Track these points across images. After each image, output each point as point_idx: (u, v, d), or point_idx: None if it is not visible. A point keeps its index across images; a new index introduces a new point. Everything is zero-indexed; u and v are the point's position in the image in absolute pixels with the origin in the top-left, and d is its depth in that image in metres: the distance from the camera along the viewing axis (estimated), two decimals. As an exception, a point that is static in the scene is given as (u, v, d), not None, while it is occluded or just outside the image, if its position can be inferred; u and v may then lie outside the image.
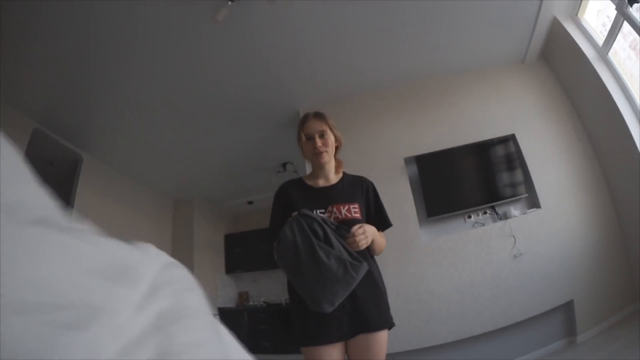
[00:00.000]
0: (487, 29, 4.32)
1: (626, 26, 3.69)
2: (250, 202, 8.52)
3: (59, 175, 5.75)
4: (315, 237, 1.70)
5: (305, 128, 2.08)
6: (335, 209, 1.93)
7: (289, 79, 4.55)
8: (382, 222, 2.08)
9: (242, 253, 8.60)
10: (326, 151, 2.04)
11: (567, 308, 4.15)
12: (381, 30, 4.08)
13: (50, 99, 4.40)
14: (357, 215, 1.96)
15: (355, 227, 1.83)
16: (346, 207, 1.95)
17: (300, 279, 1.73)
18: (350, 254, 1.74)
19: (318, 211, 1.91)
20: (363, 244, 1.81)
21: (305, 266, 1.68)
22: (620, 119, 3.89)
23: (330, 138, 2.07)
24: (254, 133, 5.69)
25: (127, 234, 4.81)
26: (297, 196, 2.02)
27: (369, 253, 1.94)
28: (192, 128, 5.39)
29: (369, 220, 2.02)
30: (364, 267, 1.73)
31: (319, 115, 2.10)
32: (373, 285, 1.89)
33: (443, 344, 4.07)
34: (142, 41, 3.72)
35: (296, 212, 1.80)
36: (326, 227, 1.74)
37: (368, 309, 1.82)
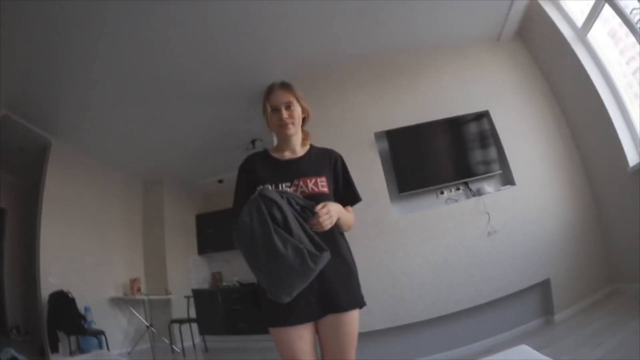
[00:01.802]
0: (463, 4, 4.22)
1: (606, 12, 3.72)
2: (220, 181, 8.25)
3: (29, 162, 5.67)
4: (274, 222, 1.59)
5: (270, 99, 1.98)
6: (301, 183, 1.85)
7: (255, 52, 4.40)
8: (350, 196, 2.01)
9: (213, 233, 8.41)
10: (292, 123, 1.96)
11: (544, 286, 4.16)
12: (353, 2, 3.95)
13: (17, 84, 4.29)
14: (325, 189, 1.88)
15: (319, 207, 1.74)
16: (313, 181, 1.87)
17: (257, 267, 1.64)
18: (312, 240, 1.65)
19: (284, 185, 1.84)
20: (327, 224, 1.73)
21: (262, 255, 1.58)
22: (598, 99, 3.95)
23: (297, 110, 1.98)
24: (221, 110, 5.57)
25: (98, 218, 5.05)
26: (262, 169, 1.93)
27: (337, 230, 1.87)
28: (159, 107, 5.28)
29: (337, 195, 1.96)
30: (325, 257, 1.63)
31: (286, 86, 2.00)
32: (342, 264, 1.83)
33: (416, 322, 4.02)
34: (106, 21, 3.60)
35: (258, 190, 1.74)
36: (287, 210, 1.63)
37: (337, 289, 1.76)
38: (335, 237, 1.83)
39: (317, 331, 1.78)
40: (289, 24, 4.10)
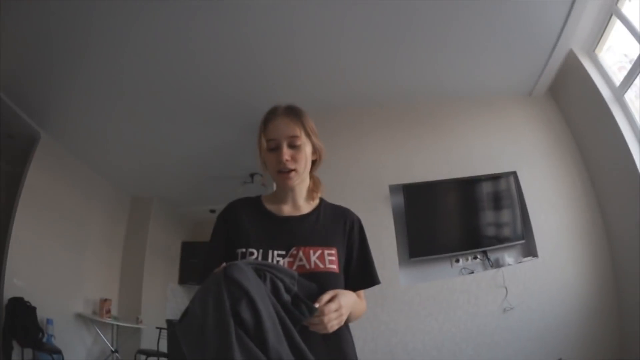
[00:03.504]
0: (498, 54, 3.99)
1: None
2: (212, 211, 7.86)
3: (17, 151, 5.28)
4: (240, 326, 0.96)
5: (268, 130, 1.38)
6: (302, 254, 1.28)
7: (269, 79, 4.09)
8: (366, 278, 1.43)
9: (198, 264, 7.94)
10: (295, 169, 1.35)
11: None
12: (383, 40, 3.66)
13: (16, 68, 3.98)
14: (333, 266, 1.30)
15: (324, 299, 1.17)
16: (318, 253, 1.30)
17: None
18: (303, 358, 1.03)
19: (276, 253, 1.27)
20: (334, 325, 1.17)
21: None
22: (633, 166, 3.56)
23: (305, 149, 1.38)
24: (225, 135, 5.27)
25: (77, 226, 4.51)
26: (248, 225, 1.36)
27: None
28: (161, 122, 5.01)
29: (347, 274, 1.38)
30: None
31: (293, 112, 1.40)
32: None
33: (413, 407, 3.59)
34: (118, 24, 3.37)
35: (224, 267, 1.04)
36: (262, 310, 0.99)
37: None
38: (339, 336, 1.26)
39: None
40: (309, 52, 3.79)
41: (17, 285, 4.53)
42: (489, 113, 4.49)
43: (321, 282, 1.24)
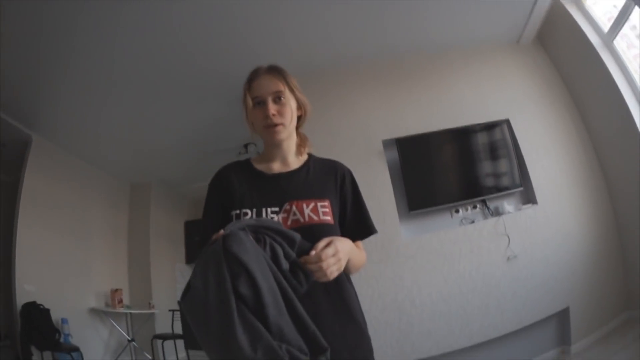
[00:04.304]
0: (481, 3, 3.89)
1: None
2: None
3: (11, 158, 5.24)
4: (241, 299, 0.96)
5: (252, 88, 1.40)
6: (295, 208, 1.30)
7: (253, 48, 4.01)
8: (362, 228, 1.44)
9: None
10: (282, 123, 1.38)
11: (562, 316, 3.82)
12: None
13: None
14: (328, 218, 1.32)
15: (321, 245, 1.17)
16: (311, 206, 1.32)
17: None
18: (304, 330, 1.02)
19: (270, 210, 1.30)
20: (334, 271, 1.16)
21: (216, 349, 0.97)
22: (626, 111, 3.60)
23: (290, 104, 1.41)
24: (214, 109, 5.22)
25: (80, 222, 4.46)
26: (240, 186, 1.38)
27: (344, 275, 1.30)
28: (150, 104, 4.95)
29: (343, 225, 1.40)
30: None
31: (275, 70, 1.43)
32: (350, 322, 1.28)
33: (425, 359, 3.62)
34: (91, 11, 3.28)
35: (222, 234, 1.03)
36: (261, 283, 0.97)
37: (343, 357, 1.20)
38: (341, 287, 1.28)
39: None
40: (292, 14, 3.72)
41: (28, 290, 4.56)
42: (477, 62, 4.43)
43: (317, 234, 1.23)
